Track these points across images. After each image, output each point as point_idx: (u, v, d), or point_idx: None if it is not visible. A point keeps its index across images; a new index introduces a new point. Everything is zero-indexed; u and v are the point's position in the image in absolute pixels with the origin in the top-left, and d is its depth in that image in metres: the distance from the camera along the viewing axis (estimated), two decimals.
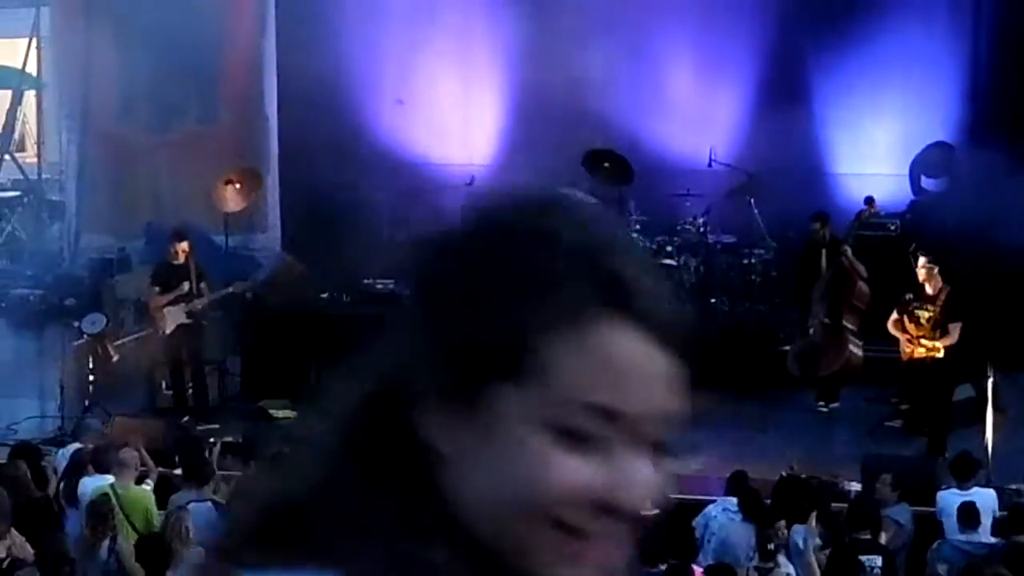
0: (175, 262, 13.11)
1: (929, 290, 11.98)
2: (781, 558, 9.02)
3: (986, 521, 9.79)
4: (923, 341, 11.91)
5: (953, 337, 11.82)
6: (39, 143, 21.68)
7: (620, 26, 15.21)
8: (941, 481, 10.48)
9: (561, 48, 15.29)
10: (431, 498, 1.21)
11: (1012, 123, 14.28)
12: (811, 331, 12.83)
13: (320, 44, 15.54)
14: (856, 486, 10.67)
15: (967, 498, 9.86)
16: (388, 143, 15.74)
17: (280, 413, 13.02)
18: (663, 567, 8.25)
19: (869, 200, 13.36)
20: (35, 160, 21.18)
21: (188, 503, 9.32)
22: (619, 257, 1.21)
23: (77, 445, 10.77)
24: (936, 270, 11.97)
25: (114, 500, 9.37)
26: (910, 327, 11.98)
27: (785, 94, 14.71)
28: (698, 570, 8.45)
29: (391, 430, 1.23)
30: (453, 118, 15.74)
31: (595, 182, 14.27)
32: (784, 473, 10.21)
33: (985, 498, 10.01)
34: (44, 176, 20.29)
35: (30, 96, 21.61)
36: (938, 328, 11.89)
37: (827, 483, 10.61)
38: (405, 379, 1.23)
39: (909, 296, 12.04)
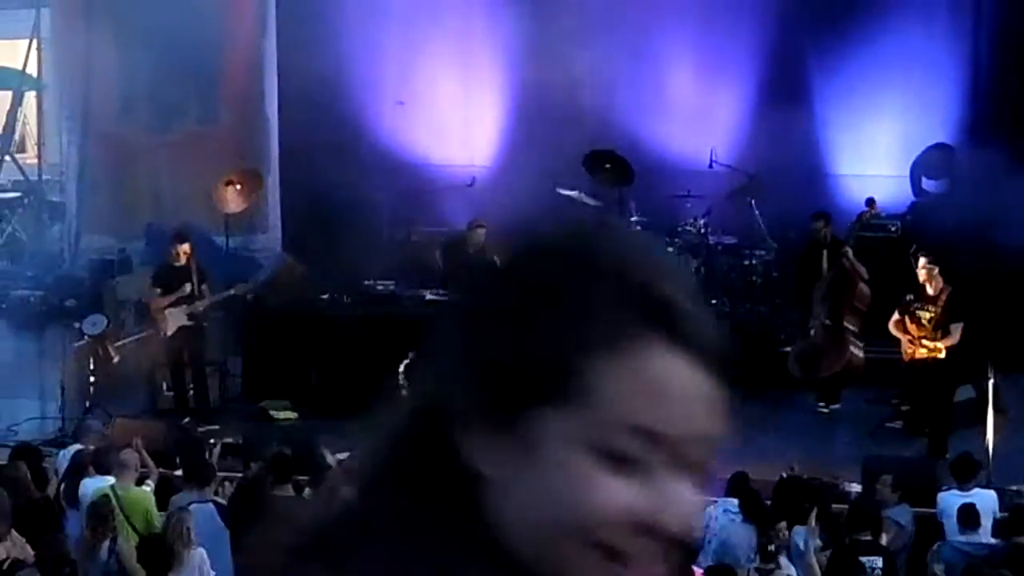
0: (176, 264, 13.10)
1: (930, 291, 11.98)
2: (782, 559, 9.01)
3: (986, 522, 9.78)
4: (924, 342, 11.91)
5: (954, 338, 11.82)
6: (39, 144, 21.68)
7: (620, 27, 15.21)
8: (942, 482, 10.48)
9: (562, 49, 15.29)
10: (472, 519, 1.21)
11: (1012, 124, 14.28)
12: (812, 332, 12.82)
13: (321, 44, 15.54)
14: (857, 487, 10.67)
15: (968, 499, 9.86)
16: (389, 144, 15.74)
17: (281, 414, 13.03)
18: None
19: (870, 201, 13.36)
20: (35, 161, 21.18)
21: (189, 504, 9.31)
22: (662, 281, 1.21)
23: (78, 446, 10.77)
24: (936, 271, 11.97)
25: (114, 501, 9.37)
26: (911, 328, 11.98)
27: (786, 95, 14.71)
28: (698, 571, 8.44)
29: (433, 451, 1.23)
30: (454, 119, 15.74)
31: (595, 183, 14.29)
32: (785, 474, 10.21)
33: (986, 499, 10.00)
34: (44, 177, 20.28)
35: (30, 97, 21.62)
36: (939, 329, 11.89)
37: (828, 484, 10.61)
38: (448, 401, 1.23)
39: (910, 297, 12.04)
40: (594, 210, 14.35)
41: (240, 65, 17.16)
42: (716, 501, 9.70)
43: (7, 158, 20.43)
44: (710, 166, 14.48)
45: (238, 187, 14.41)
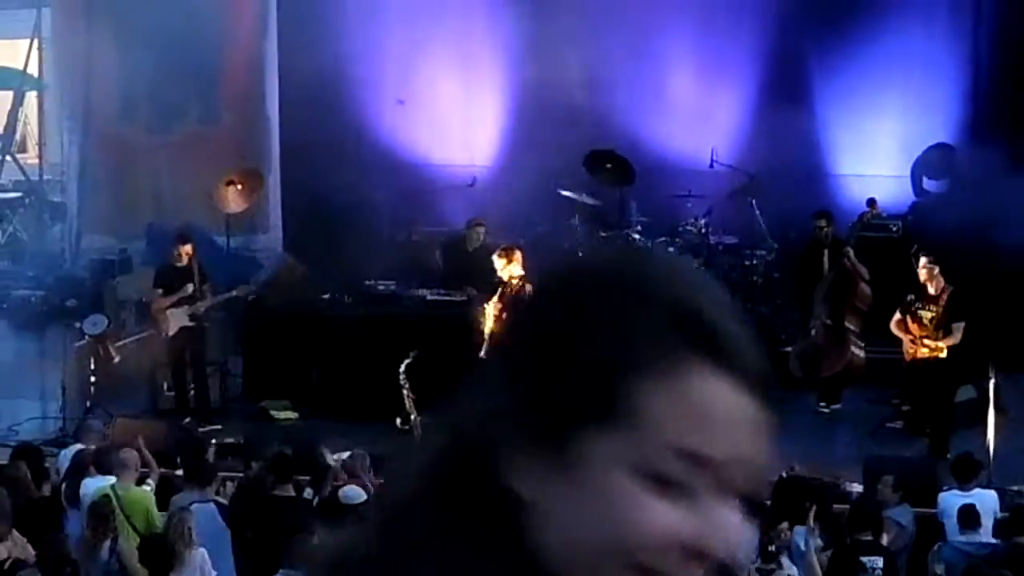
0: (178, 264, 13.10)
1: (931, 290, 11.99)
2: (784, 559, 9.01)
3: (987, 522, 9.78)
4: (926, 341, 11.91)
5: (956, 337, 11.82)
6: (40, 144, 21.67)
7: (621, 26, 15.21)
8: (943, 482, 10.48)
9: (562, 49, 15.29)
10: (514, 543, 1.21)
11: (1013, 124, 14.29)
12: (813, 332, 12.82)
13: (321, 45, 15.54)
14: (858, 487, 10.67)
15: (968, 499, 9.86)
16: (389, 144, 15.74)
17: (281, 414, 13.03)
18: None
19: (871, 202, 13.35)
20: (36, 161, 21.18)
21: (191, 504, 9.31)
22: (707, 305, 1.22)
23: (79, 446, 10.77)
24: (937, 270, 11.97)
25: (115, 501, 9.37)
26: (913, 327, 11.98)
27: (786, 95, 14.72)
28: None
29: (474, 475, 1.23)
30: (454, 119, 15.73)
31: (596, 183, 14.28)
32: (785, 474, 10.20)
33: (986, 499, 10.00)
34: (45, 177, 20.28)
35: (31, 97, 21.61)
36: (941, 328, 11.89)
37: (829, 484, 10.61)
38: (491, 424, 1.23)
39: (911, 297, 12.04)
40: (594, 210, 14.36)
41: (241, 65, 17.16)
42: None
43: (8, 158, 20.44)
44: (711, 166, 14.47)
45: (239, 187, 14.40)
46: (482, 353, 11.77)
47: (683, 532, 1.18)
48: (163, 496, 9.97)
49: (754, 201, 14.16)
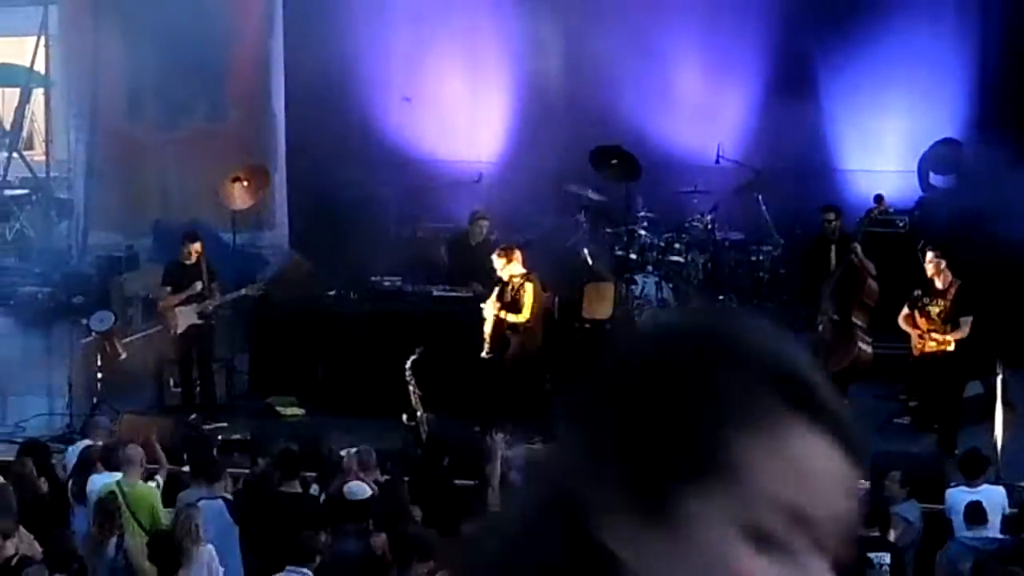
0: (187, 262, 13.09)
1: (939, 284, 11.97)
2: None
3: (995, 518, 9.77)
4: (934, 335, 11.90)
5: (964, 331, 11.80)
6: (47, 141, 21.72)
7: (627, 24, 15.19)
8: (950, 478, 10.46)
9: (568, 45, 15.29)
10: None
11: (1019, 119, 14.25)
12: (820, 328, 12.80)
13: (327, 42, 15.54)
14: (865, 483, 10.65)
15: (976, 495, 9.84)
16: (395, 140, 15.74)
17: (288, 410, 13.04)
18: None
19: (878, 198, 13.32)
20: (43, 158, 21.22)
21: (198, 500, 9.32)
22: (802, 365, 1.24)
23: (87, 442, 10.77)
24: (944, 264, 11.96)
25: (120, 498, 9.37)
26: (921, 322, 11.97)
27: (792, 91, 14.69)
28: None
29: (568, 539, 1.22)
30: (460, 115, 15.73)
31: (602, 178, 14.27)
32: None
33: (995, 495, 9.98)
34: (52, 174, 20.32)
35: (38, 94, 21.65)
36: (949, 322, 11.88)
37: None
38: (583, 485, 1.22)
39: (918, 292, 12.03)
40: (600, 205, 14.35)
41: (247, 62, 17.17)
42: None
43: (15, 155, 20.47)
44: (717, 162, 14.46)
45: (245, 184, 14.40)
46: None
47: None
48: (170, 492, 9.97)
49: (760, 197, 14.15)
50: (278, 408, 13.05)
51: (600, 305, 13.16)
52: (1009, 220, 12.42)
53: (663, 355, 1.23)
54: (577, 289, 13.21)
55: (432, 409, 11.67)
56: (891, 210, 13.78)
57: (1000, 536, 9.68)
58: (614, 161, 14.17)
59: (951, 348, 11.83)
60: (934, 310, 11.93)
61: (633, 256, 13.86)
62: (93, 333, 13.22)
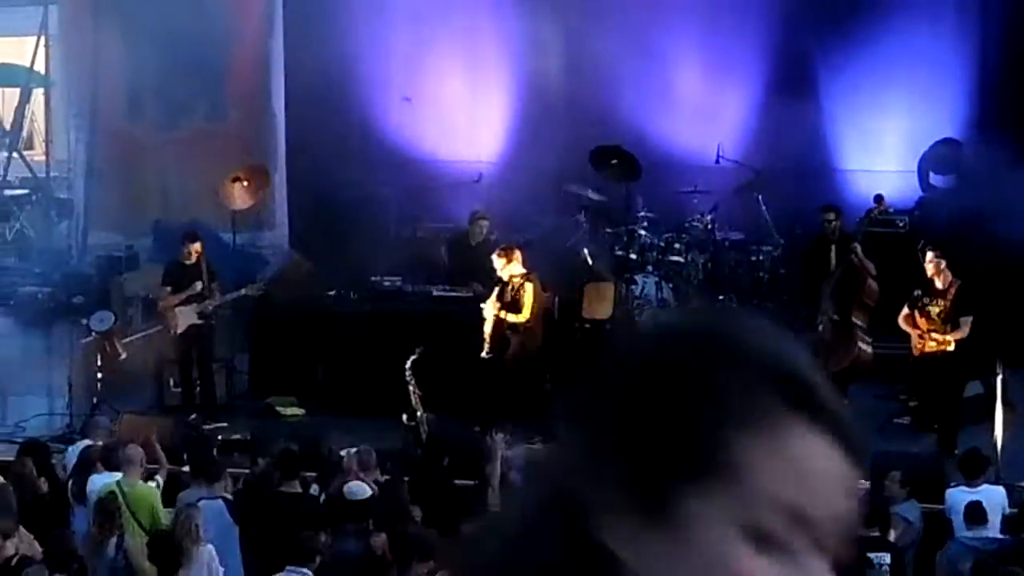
0: (187, 262, 13.09)
1: (939, 284, 11.98)
2: None
3: (995, 518, 9.76)
4: (934, 335, 11.90)
5: (964, 331, 11.81)
6: (47, 141, 21.72)
7: (627, 24, 15.20)
8: (950, 478, 10.46)
9: (568, 45, 15.29)
10: None
11: (1019, 119, 14.25)
12: (820, 328, 12.80)
13: (328, 42, 15.54)
14: (865, 483, 10.64)
15: (976, 496, 9.84)
16: (395, 140, 15.74)
17: (288, 410, 13.04)
18: None
19: (878, 198, 13.32)
20: (43, 158, 21.22)
21: (198, 500, 9.31)
22: (802, 365, 1.24)
23: (87, 442, 10.77)
24: (944, 264, 11.97)
25: (120, 497, 9.37)
26: (921, 322, 11.97)
27: (792, 91, 14.69)
28: None
29: (568, 539, 1.22)
30: (460, 115, 15.73)
31: (602, 178, 14.27)
32: None
33: (995, 495, 9.98)
34: (52, 174, 20.32)
35: (38, 94, 21.65)
36: (949, 322, 11.88)
37: None
38: (583, 485, 1.22)
39: (918, 292, 12.03)
40: (600, 205, 14.36)
41: (247, 62, 17.17)
42: None
43: (15, 155, 20.47)
44: (717, 162, 14.46)
45: (245, 184, 14.40)
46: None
47: None
48: (170, 492, 9.97)
49: (760, 197, 14.15)
50: (278, 408, 13.05)
51: (600, 305, 13.16)
52: (1009, 220, 12.42)
53: (663, 355, 1.23)
54: (577, 289, 13.21)
55: (432, 409, 11.67)
56: (891, 210, 13.78)
57: (1000, 536, 9.68)
58: (614, 161, 14.17)
59: (951, 348, 11.83)
60: (934, 310, 11.93)
61: (633, 256, 13.86)
62: (93, 333, 13.22)
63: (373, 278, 13.70)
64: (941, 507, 10.08)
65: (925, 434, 12.06)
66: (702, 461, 1.18)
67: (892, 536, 9.41)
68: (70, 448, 11.01)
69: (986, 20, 14.90)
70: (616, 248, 13.98)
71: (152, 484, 9.94)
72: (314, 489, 10.11)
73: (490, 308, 12.24)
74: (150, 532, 9.21)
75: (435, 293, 13.39)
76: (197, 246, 13.09)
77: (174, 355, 13.18)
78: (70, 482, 10.17)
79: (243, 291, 13.39)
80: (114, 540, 9.05)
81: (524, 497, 1.28)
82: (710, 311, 1.33)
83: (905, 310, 12.06)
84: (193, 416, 12.76)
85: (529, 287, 12.27)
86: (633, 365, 1.24)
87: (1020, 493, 10.45)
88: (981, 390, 11.89)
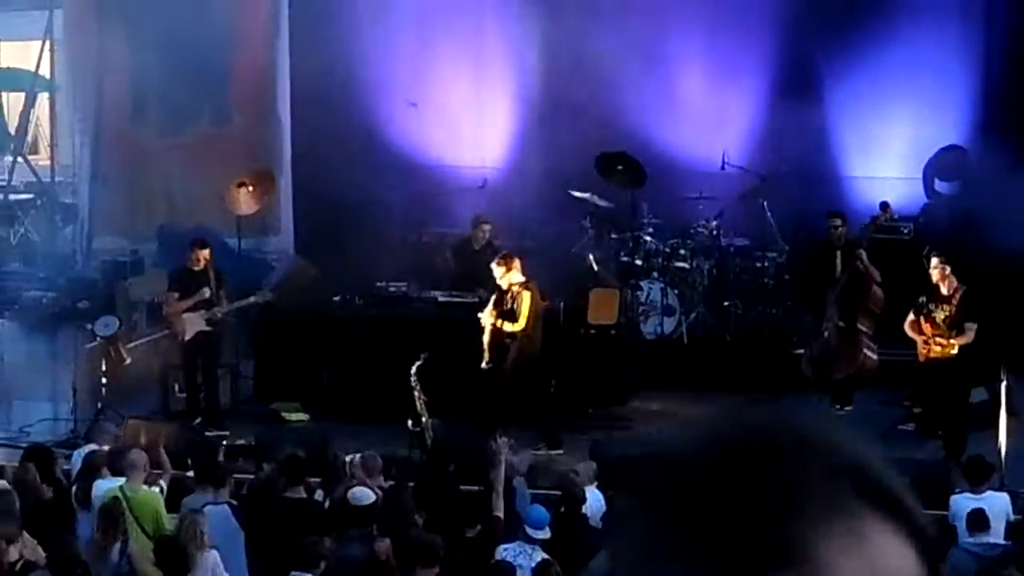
0: (195, 268, 13.07)
1: (944, 290, 11.97)
2: None
3: (999, 525, 9.76)
4: (938, 339, 11.89)
5: (969, 336, 11.80)
6: (52, 145, 21.71)
7: (632, 30, 15.20)
8: (955, 485, 10.44)
9: (574, 52, 15.29)
10: None
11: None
12: (825, 334, 12.80)
13: (333, 46, 15.56)
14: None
15: (980, 502, 9.83)
16: (401, 145, 15.74)
17: (293, 416, 13.04)
18: None
19: (884, 205, 13.32)
20: (48, 163, 21.21)
21: (204, 506, 9.31)
22: (879, 467, 1.24)
23: (91, 447, 10.77)
24: (949, 270, 11.97)
25: (124, 503, 9.37)
26: (926, 328, 11.97)
27: (798, 98, 14.69)
28: None
29: None
30: (466, 120, 15.74)
31: (607, 185, 14.27)
32: None
33: (999, 502, 9.97)
34: (57, 179, 20.31)
35: (43, 99, 21.66)
36: (954, 328, 11.87)
37: None
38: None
39: (923, 299, 12.02)
40: (605, 211, 14.36)
41: (252, 67, 17.17)
42: None
43: (20, 159, 20.48)
44: (722, 168, 14.46)
45: (250, 189, 14.41)
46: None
47: None
48: (174, 498, 9.97)
49: (765, 203, 14.15)
50: (283, 413, 13.05)
51: (605, 311, 13.15)
52: (1014, 226, 12.41)
53: (735, 453, 1.23)
54: (582, 295, 13.21)
55: (437, 414, 11.67)
56: (896, 217, 13.78)
57: (1003, 542, 9.67)
58: (619, 167, 14.18)
59: (954, 351, 11.82)
60: (939, 316, 11.92)
61: (638, 262, 13.87)
62: (98, 338, 13.22)
63: (378, 283, 13.70)
64: (946, 514, 10.06)
65: (929, 440, 12.05)
66: (783, 558, 1.18)
67: None
68: (75, 453, 11.00)
69: (990, 27, 14.90)
70: (621, 254, 13.98)
71: (156, 489, 9.94)
72: (319, 494, 10.11)
73: (487, 317, 12.20)
74: (154, 537, 9.21)
75: (440, 298, 13.39)
76: (206, 252, 13.06)
77: (179, 360, 13.18)
78: (74, 487, 10.17)
79: (252, 298, 13.38)
80: (118, 545, 9.04)
81: None
82: (780, 414, 1.32)
83: (911, 316, 12.06)
84: (198, 421, 12.76)
85: (526, 296, 12.19)
86: (706, 464, 1.23)
87: None
88: (986, 397, 11.88)
